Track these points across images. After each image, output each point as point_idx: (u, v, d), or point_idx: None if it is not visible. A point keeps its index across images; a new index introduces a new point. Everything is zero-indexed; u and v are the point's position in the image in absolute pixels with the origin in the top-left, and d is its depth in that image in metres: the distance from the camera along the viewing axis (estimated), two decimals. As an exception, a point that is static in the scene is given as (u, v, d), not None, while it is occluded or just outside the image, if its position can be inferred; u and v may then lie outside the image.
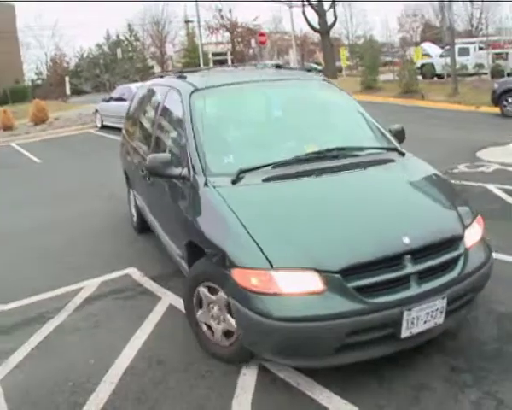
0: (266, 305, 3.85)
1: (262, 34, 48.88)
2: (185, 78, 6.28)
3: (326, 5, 41.55)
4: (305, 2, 41.59)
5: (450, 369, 4.28)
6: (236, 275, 4.01)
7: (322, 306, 3.80)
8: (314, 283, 3.83)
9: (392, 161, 5.32)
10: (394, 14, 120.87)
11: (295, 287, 3.85)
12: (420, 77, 30.54)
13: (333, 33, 46.48)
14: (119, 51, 56.40)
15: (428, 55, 37.11)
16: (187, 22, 74.64)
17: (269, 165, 4.84)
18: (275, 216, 4.32)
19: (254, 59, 54.06)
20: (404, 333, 3.95)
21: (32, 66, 78.34)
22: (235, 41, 66.60)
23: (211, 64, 66.98)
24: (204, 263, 4.58)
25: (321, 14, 41.21)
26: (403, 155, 5.46)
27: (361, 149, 5.41)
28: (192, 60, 68.08)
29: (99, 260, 7.39)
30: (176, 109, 5.88)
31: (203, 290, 4.55)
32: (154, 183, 6.15)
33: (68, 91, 45.01)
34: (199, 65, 49.84)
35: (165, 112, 6.40)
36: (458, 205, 4.76)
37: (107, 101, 23.88)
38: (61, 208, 10.44)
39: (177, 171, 5.11)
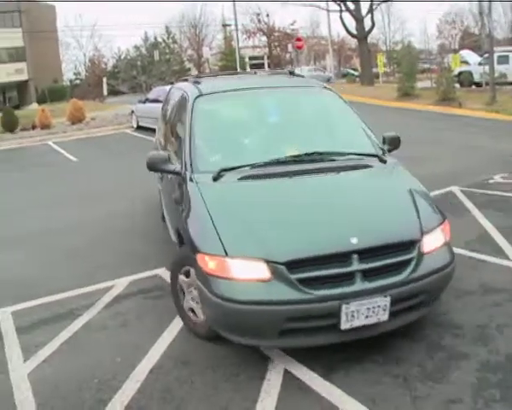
0: (220, 287, 4.32)
1: (299, 39, 48.80)
2: (199, 83, 6.82)
3: (364, 10, 41.30)
4: (343, 8, 41.40)
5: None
6: (199, 259, 4.53)
7: (266, 292, 4.24)
8: (262, 271, 4.27)
9: (369, 166, 5.59)
10: (433, 20, 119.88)
11: (245, 274, 4.31)
12: (457, 85, 30.14)
13: (370, 39, 46.24)
14: (156, 53, 56.87)
15: (467, 63, 36.61)
16: (224, 26, 75.05)
17: (248, 165, 5.33)
18: (240, 211, 4.79)
19: (291, 63, 54.03)
20: (344, 325, 4.27)
21: (71, 66, 79.62)
22: (272, 45, 66.67)
23: (247, 68, 67.16)
24: (183, 249, 5.17)
25: (359, 19, 40.98)
26: (384, 161, 5.67)
27: (341, 154, 5.68)
28: (229, 63, 68.33)
29: (129, 259, 7.47)
30: (183, 111, 6.40)
31: (182, 278, 5.13)
32: (163, 177, 6.84)
33: (105, 92, 45.52)
34: (235, 68, 49.97)
35: (176, 113, 6.94)
36: (423, 211, 4.93)
37: (144, 102, 24.10)
38: (95, 207, 10.60)
39: (172, 167, 5.72)
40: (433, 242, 4.73)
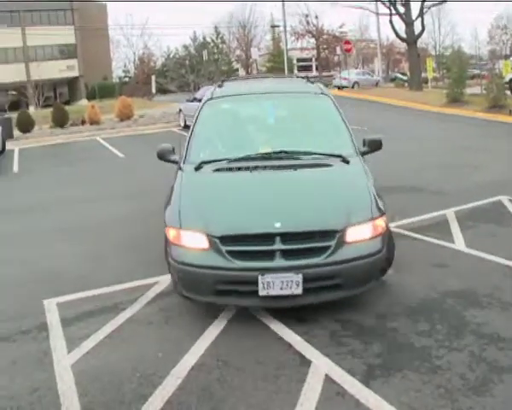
0: (176, 253, 5.48)
1: (348, 42, 48.58)
2: (221, 86, 7.82)
3: (414, 14, 40.74)
4: (393, 11, 40.93)
5: None
6: (166, 231, 5.70)
7: (204, 259, 5.31)
8: (203, 242, 5.33)
9: (329, 165, 6.24)
10: (484, 25, 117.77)
11: (192, 243, 5.42)
12: (508, 92, 29.50)
13: (419, 43, 45.52)
14: (205, 53, 57.24)
15: (518, 70, 35.79)
16: (273, 27, 74.94)
17: (226, 160, 6.35)
18: (202, 194, 5.94)
19: (339, 66, 53.76)
20: (261, 292, 5.16)
21: (121, 63, 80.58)
22: (321, 47, 66.32)
23: (295, 70, 67.10)
24: None
25: (408, 23, 40.42)
26: (347, 162, 6.25)
27: (308, 153, 6.40)
28: (276, 64, 68.37)
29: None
30: (196, 112, 7.40)
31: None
32: None
33: (154, 90, 46.02)
34: (283, 70, 50.00)
35: (195, 113, 7.52)
36: (355, 207, 5.63)
37: (191, 101, 24.25)
38: (141, 203, 10.73)
39: (174, 157, 6.81)
40: (357, 234, 5.41)
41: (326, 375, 4.47)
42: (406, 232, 8.08)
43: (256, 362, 4.73)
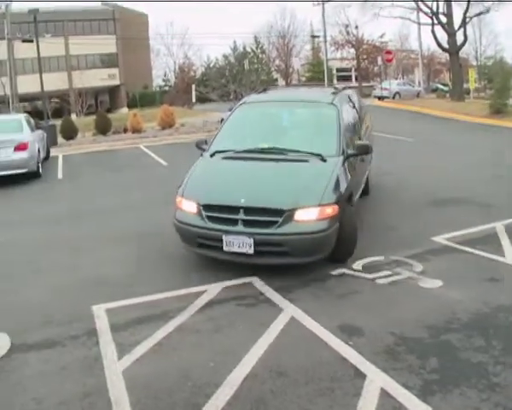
0: (177, 214, 7.56)
1: (389, 52, 48.27)
2: (263, 91, 10.17)
3: (456, 24, 40.23)
4: (435, 21, 40.48)
5: None
6: (176, 199, 7.66)
7: (192, 219, 7.26)
8: (194, 208, 7.26)
9: (306, 161, 7.68)
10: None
11: (187, 208, 7.39)
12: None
13: (461, 53, 44.89)
14: (246, 63, 57.38)
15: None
16: (313, 37, 74.98)
17: (233, 151, 8.23)
18: (204, 174, 8.00)
19: (379, 76, 53.41)
20: (225, 248, 6.90)
21: (161, 72, 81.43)
22: (361, 58, 66.06)
23: (334, 80, 66.91)
24: None
25: (450, 33, 39.93)
26: (324, 160, 7.60)
27: (294, 151, 7.89)
28: (316, 74, 68.27)
29: (224, 265, 7.46)
30: (230, 112, 9.57)
31: None
32: None
33: (194, 99, 46.31)
34: (323, 80, 49.89)
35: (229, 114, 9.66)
36: (307, 194, 7.04)
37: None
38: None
39: (204, 147, 8.63)
40: (304, 215, 6.83)
41: (381, 389, 4.36)
42: (456, 245, 7.91)
43: (310, 374, 4.64)
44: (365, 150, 8.28)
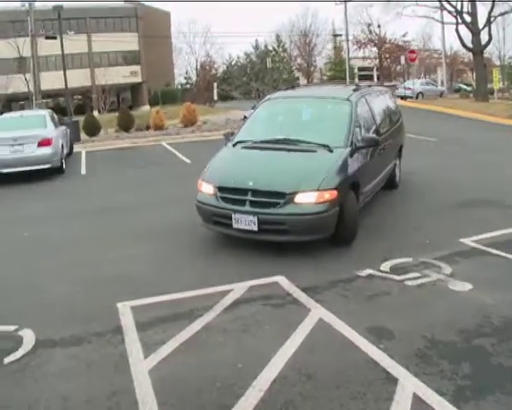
0: (198, 196, 8.49)
1: (412, 51, 47.88)
2: (291, 88, 11.77)
3: (480, 24, 39.74)
4: (459, 20, 40.05)
5: None
6: (198, 182, 8.62)
7: (209, 200, 8.22)
8: (211, 190, 8.24)
9: (314, 151, 8.43)
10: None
11: (206, 190, 8.36)
12: None
13: (484, 53, 44.28)
14: (268, 61, 57.34)
15: None
16: (335, 36, 74.70)
17: (252, 141, 9.16)
18: (224, 161, 8.98)
19: (402, 76, 53.03)
20: (234, 225, 7.83)
21: (183, 70, 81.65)
22: (383, 57, 65.69)
23: (356, 79, 66.59)
24: None
25: (475, 32, 39.46)
26: (331, 151, 8.30)
27: (305, 142, 8.66)
28: (337, 73, 68.02)
29: (249, 264, 7.48)
30: (256, 107, 10.93)
31: None
32: None
33: (215, 97, 46.36)
34: (344, 79, 49.67)
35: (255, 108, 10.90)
36: (308, 180, 7.75)
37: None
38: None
39: (231, 138, 9.64)
40: (304, 198, 7.60)
41: (414, 394, 4.27)
42: (484, 248, 7.76)
43: (340, 377, 4.56)
44: (372, 143, 8.91)
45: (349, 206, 7.97)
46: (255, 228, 7.65)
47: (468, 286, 6.38)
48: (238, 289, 6.54)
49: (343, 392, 4.34)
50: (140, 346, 5.29)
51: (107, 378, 4.76)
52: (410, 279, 6.66)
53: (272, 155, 8.60)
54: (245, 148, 9.04)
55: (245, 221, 7.69)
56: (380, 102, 11.20)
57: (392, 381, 4.46)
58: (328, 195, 7.61)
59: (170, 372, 4.79)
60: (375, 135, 9.20)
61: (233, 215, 7.77)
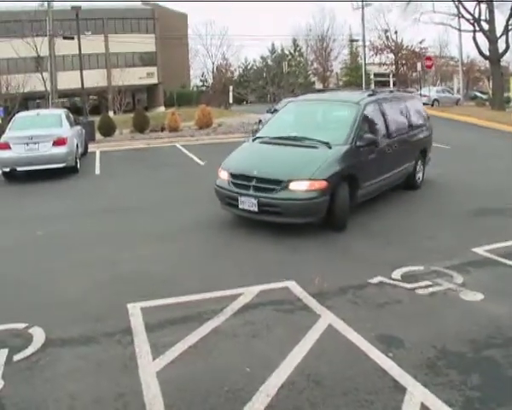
0: (217, 181, 9.88)
1: (429, 58, 47.65)
2: (316, 92, 13.36)
3: (498, 32, 39.43)
4: (477, 28, 39.81)
5: None
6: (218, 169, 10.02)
7: (225, 184, 9.60)
8: (226, 176, 9.62)
9: (315, 147, 9.56)
10: None
11: (223, 176, 9.76)
12: None
13: (501, 61, 43.92)
14: (285, 65, 57.28)
15: None
16: (352, 41, 74.52)
17: (268, 137, 10.47)
18: (241, 153, 10.43)
19: (418, 82, 52.80)
20: (240, 206, 9.17)
21: (199, 72, 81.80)
22: (399, 63, 65.41)
23: (372, 85, 66.38)
24: None
25: (492, 40, 39.18)
26: (330, 147, 9.43)
27: (309, 139, 9.84)
28: (353, 79, 67.85)
29: (260, 268, 7.49)
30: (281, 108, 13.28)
31: None
32: None
33: (231, 100, 46.38)
34: (360, 84, 49.53)
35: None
36: (301, 170, 8.99)
37: (271, 112, 24.16)
38: (225, 212, 10.75)
39: (256, 134, 11.30)
40: (297, 186, 8.80)
41: (422, 404, 4.24)
42: (497, 258, 7.69)
43: (348, 384, 4.54)
44: (369, 142, 9.82)
45: (340, 196, 9.06)
46: (256, 209, 8.97)
47: (479, 296, 6.33)
48: (248, 293, 6.53)
49: (350, 399, 4.32)
50: (149, 348, 5.30)
51: (116, 379, 4.76)
52: (421, 288, 6.62)
53: (279, 149, 9.91)
54: (261, 142, 10.45)
55: (248, 203, 9.03)
56: (397, 106, 12.00)
57: (401, 390, 4.43)
58: (318, 184, 8.78)
59: (178, 375, 4.79)
60: (372, 135, 10.04)
61: (239, 198, 9.16)
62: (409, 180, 12.14)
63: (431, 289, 6.58)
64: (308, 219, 8.93)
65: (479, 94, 61.50)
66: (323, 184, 8.78)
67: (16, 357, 5.19)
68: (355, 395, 4.37)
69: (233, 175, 9.48)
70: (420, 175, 12.67)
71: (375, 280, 6.89)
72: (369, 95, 11.30)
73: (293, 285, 6.76)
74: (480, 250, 7.97)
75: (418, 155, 12.42)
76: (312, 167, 8.95)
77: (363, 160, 9.73)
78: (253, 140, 10.75)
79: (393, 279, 6.93)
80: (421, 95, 47.00)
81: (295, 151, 9.67)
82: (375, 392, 4.41)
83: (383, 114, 10.96)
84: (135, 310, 6.17)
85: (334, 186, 8.93)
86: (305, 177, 8.81)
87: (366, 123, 10.26)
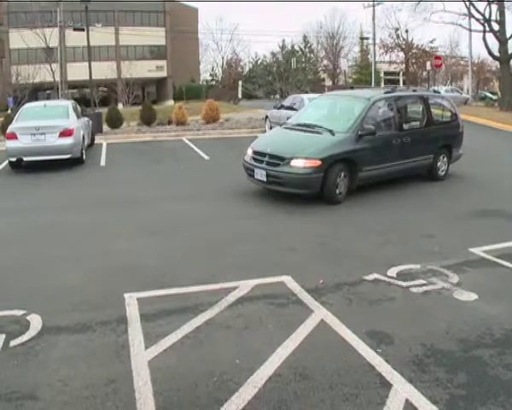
0: (245, 157, 12.21)
1: (438, 57, 47.49)
2: (347, 89, 17.42)
3: (508, 32, 39.25)
4: (487, 28, 39.64)
5: None
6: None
7: (248, 159, 11.93)
8: (250, 153, 11.97)
9: (320, 133, 11.42)
10: None
11: (249, 152, 12.08)
12: None
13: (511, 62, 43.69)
14: (293, 61, 57.22)
15: None
16: (362, 39, 74.40)
17: (291, 124, 12.61)
18: (267, 135, 14.51)
19: (427, 82, 52.68)
20: (255, 176, 11.47)
21: (208, 67, 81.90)
22: (409, 62, 65.25)
23: (382, 83, 66.24)
24: None
25: (502, 41, 38.98)
26: (333, 134, 11.20)
27: (318, 126, 11.74)
28: (363, 76, 67.72)
29: (257, 262, 7.54)
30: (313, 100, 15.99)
31: None
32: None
33: (240, 95, 46.42)
34: (370, 82, 49.45)
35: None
36: (308, 150, 10.78)
37: (278, 108, 24.18)
38: (227, 206, 11.02)
39: (282, 123, 14.36)
40: (296, 163, 10.65)
41: (407, 400, 4.30)
42: (494, 259, 7.73)
43: (335, 379, 4.60)
44: (369, 132, 11.29)
45: (331, 174, 10.73)
46: (265, 179, 11.12)
47: (473, 296, 6.37)
48: (244, 286, 6.59)
49: (336, 393, 4.38)
50: (142, 337, 5.38)
51: (108, 366, 4.85)
52: (415, 286, 6.67)
53: (293, 133, 12.02)
54: (284, 128, 12.73)
55: (260, 174, 11.21)
56: (415, 104, 13.65)
57: (386, 386, 4.49)
58: (313, 162, 10.62)
59: (169, 364, 4.87)
60: (371, 126, 11.45)
61: (255, 169, 11.36)
62: (429, 172, 13.37)
63: (425, 288, 6.62)
64: (305, 191, 10.84)
65: (488, 94, 61.28)
66: (318, 162, 10.60)
67: (13, 342, 5.28)
68: (341, 389, 4.43)
69: (254, 152, 11.76)
70: (443, 169, 13.66)
71: (371, 277, 6.95)
72: (386, 92, 13.11)
73: (288, 280, 6.81)
74: (477, 251, 8.00)
75: (439, 149, 13.41)
76: (311, 149, 10.85)
77: (365, 147, 11.30)
78: (281, 125, 13.42)
79: (389, 277, 6.98)
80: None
81: (304, 135, 11.64)
82: (361, 387, 4.47)
83: (393, 110, 12.52)
84: (131, 300, 6.25)
85: (327, 166, 10.67)
86: (303, 156, 10.69)
87: (372, 116, 11.88)
